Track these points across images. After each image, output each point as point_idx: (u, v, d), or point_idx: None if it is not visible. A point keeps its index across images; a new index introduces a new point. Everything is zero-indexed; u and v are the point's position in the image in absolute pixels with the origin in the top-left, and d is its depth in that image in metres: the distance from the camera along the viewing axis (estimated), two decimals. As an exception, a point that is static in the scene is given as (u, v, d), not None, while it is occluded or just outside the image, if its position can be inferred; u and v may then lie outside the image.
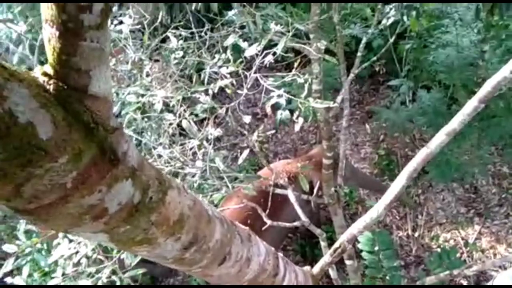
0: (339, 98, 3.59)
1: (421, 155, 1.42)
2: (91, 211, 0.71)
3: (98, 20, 0.59)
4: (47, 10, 0.58)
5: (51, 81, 0.63)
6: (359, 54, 3.42)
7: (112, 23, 3.19)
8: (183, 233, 0.90)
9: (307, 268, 1.75)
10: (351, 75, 3.44)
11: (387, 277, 3.74)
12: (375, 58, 3.34)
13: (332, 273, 2.86)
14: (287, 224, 2.86)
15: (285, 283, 1.45)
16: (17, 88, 0.58)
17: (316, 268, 1.72)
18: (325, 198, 3.69)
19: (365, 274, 3.77)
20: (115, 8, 3.44)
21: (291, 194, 3.08)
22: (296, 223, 2.92)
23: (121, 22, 3.22)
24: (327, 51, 3.71)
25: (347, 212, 4.71)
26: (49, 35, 0.60)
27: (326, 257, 1.70)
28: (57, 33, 0.59)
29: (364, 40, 3.36)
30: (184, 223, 0.90)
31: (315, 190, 3.59)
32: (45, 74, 0.64)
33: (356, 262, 3.64)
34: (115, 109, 3.16)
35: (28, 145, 0.58)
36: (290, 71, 3.01)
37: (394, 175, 4.67)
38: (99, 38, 0.61)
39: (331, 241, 3.75)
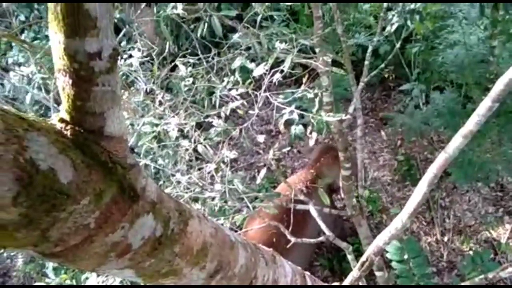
0: (351, 108, 3.58)
1: (440, 160, 1.40)
2: (115, 249, 0.72)
3: (108, 65, 0.61)
4: (59, 61, 0.61)
5: (68, 127, 0.66)
6: (366, 62, 3.42)
7: (122, 58, 3.28)
8: (207, 261, 0.90)
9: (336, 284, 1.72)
10: (361, 84, 3.44)
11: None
12: (383, 65, 3.33)
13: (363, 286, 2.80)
14: (312, 240, 2.83)
15: (314, 302, 1.43)
16: (36, 137, 0.60)
17: (346, 283, 1.69)
18: (348, 209, 3.64)
19: (397, 284, 3.67)
20: (123, 43, 3.55)
21: (312, 209, 3.06)
22: (320, 238, 2.89)
23: (130, 56, 3.32)
24: (334, 62, 3.73)
25: (372, 221, 4.63)
26: (63, 84, 0.63)
27: (354, 272, 1.67)
28: (70, 81, 0.61)
29: (370, 49, 3.36)
30: (208, 251, 0.90)
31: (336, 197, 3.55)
32: (61, 120, 0.67)
33: (387, 273, 3.55)
34: (132, 140, 3.23)
35: (51, 191, 0.60)
36: (299, 85, 3.03)
37: (416, 180, 4.59)
38: (110, 81, 0.63)
39: (358, 253, 3.68)
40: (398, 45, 3.48)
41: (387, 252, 3.67)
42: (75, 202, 0.63)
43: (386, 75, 3.79)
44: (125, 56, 3.35)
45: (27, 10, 6.16)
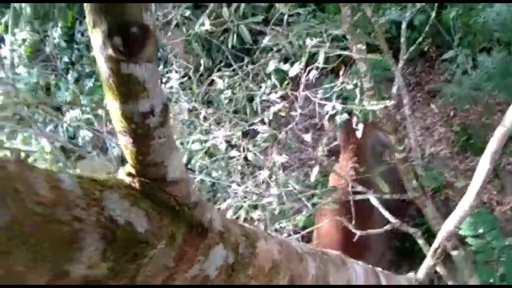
0: (394, 89, 3.48)
1: (498, 134, 1.34)
2: (195, 281, 0.78)
3: (161, 119, 0.66)
4: (118, 123, 0.67)
5: (135, 179, 0.72)
6: (402, 39, 3.30)
7: (161, 82, 3.43)
8: (279, 278, 0.94)
9: (410, 275, 1.70)
10: (401, 62, 3.33)
11: (502, 259, 3.44)
12: (420, 38, 3.20)
13: (440, 269, 2.72)
14: (380, 230, 2.78)
15: (391, 296, 1.42)
16: (110, 195, 0.67)
17: (421, 273, 1.66)
18: (409, 192, 3.53)
19: (477, 260, 3.51)
20: (161, 67, 3.70)
21: (372, 199, 3.02)
22: (387, 227, 2.84)
23: (169, 79, 3.46)
24: (369, 45, 3.64)
25: (438, 199, 4.45)
26: (125, 142, 0.69)
27: (428, 260, 1.64)
28: (131, 140, 0.67)
29: (404, 25, 3.25)
30: (279, 268, 0.94)
31: None
32: (129, 174, 0.73)
33: (463, 250, 3.40)
34: (184, 158, 3.36)
35: (131, 242, 0.66)
36: (337, 74, 2.98)
37: (477, 149, 4.35)
38: (165, 133, 0.69)
39: (429, 233, 3.56)
40: (433, 14, 3.33)
41: (460, 228, 3.52)
42: (153, 248, 0.69)
43: (426, 48, 3.60)
44: (164, 79, 3.51)
45: (69, 51, 6.56)
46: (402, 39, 3.29)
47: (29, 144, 4.28)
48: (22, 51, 6.05)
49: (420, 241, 2.72)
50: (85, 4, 0.57)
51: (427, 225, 3.83)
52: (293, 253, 1.01)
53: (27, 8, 4.98)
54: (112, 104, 0.64)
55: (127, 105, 0.63)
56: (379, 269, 1.44)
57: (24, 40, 5.91)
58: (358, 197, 3.24)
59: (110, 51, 0.58)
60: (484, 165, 1.39)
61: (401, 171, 3.56)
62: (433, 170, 4.50)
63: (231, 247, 0.83)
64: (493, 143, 1.37)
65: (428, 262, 1.60)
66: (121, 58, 0.58)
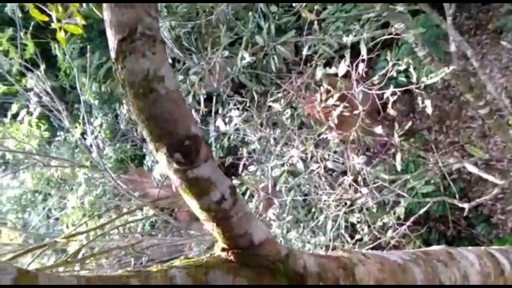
0: (452, 47, 3.29)
1: None
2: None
3: (231, 199, 0.77)
4: (200, 215, 0.78)
5: (229, 252, 0.83)
6: (442, -5, 3.13)
7: (225, 123, 3.66)
8: (389, 294, 0.97)
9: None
10: (449, 19, 3.14)
11: None
12: (461, -13, 3.00)
13: None
14: (485, 198, 2.63)
15: (519, 272, 1.35)
16: (214, 275, 0.78)
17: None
18: (510, 144, 3.25)
19: None
20: (220, 110, 3.92)
21: (470, 167, 2.85)
22: (495, 191, 2.68)
23: (230, 118, 3.69)
24: (409, 11, 3.49)
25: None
26: (211, 227, 0.80)
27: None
28: (214, 224, 0.79)
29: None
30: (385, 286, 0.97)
31: None
32: (223, 249, 0.84)
33: None
34: (269, 186, 3.49)
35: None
36: (388, 46, 2.88)
37: None
38: (239, 208, 0.79)
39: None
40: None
41: None
42: (263, 307, 0.78)
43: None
44: (227, 119, 3.73)
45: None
46: (441, -5, 3.12)
47: (135, 214, 4.75)
48: (103, 135, 6.77)
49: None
50: (145, 136, 0.70)
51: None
52: (395, 267, 1.04)
53: (95, 102, 5.60)
54: (191, 202, 0.76)
55: (202, 200, 0.74)
56: (493, 247, 1.38)
57: (101, 125, 6.62)
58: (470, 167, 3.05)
59: (175, 166, 0.69)
60: None
61: (492, 125, 3.31)
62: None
63: (331, 281, 0.89)
64: None
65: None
66: (185, 168, 0.69)
